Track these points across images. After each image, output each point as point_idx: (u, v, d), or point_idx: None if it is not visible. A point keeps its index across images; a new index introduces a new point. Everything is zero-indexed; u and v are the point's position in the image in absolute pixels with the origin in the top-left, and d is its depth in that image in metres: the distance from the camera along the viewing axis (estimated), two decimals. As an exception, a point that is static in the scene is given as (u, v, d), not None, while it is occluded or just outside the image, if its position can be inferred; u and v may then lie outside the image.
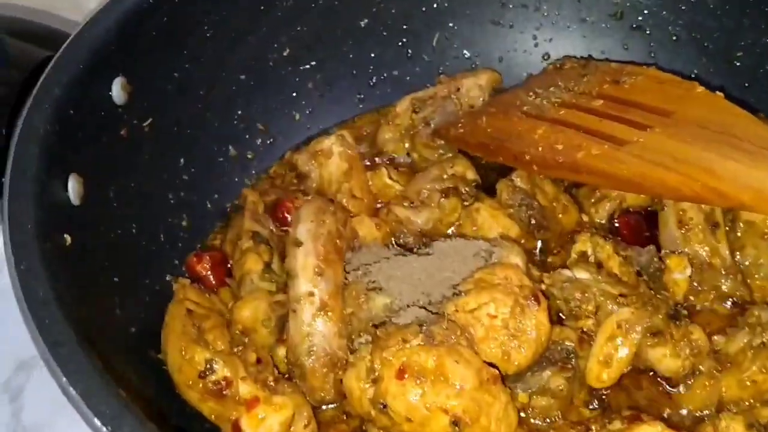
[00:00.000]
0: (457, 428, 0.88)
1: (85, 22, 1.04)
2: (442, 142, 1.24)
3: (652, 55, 1.32)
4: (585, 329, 1.01)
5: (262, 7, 1.21)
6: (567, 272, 1.04)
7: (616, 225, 1.15)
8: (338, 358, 0.98)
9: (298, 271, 1.00)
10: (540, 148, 1.11)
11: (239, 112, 1.25)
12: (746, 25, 1.24)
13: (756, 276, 1.09)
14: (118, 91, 1.05)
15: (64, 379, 0.77)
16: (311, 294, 0.99)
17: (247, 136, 1.27)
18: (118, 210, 1.05)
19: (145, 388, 0.92)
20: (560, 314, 1.04)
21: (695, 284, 1.07)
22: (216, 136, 1.23)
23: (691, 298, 1.07)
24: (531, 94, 1.20)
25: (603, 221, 1.16)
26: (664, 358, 0.98)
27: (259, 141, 1.28)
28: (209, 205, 1.22)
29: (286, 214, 1.12)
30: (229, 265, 1.11)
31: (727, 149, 0.98)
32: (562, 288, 1.02)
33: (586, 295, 1.00)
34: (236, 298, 1.06)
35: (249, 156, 1.27)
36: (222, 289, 1.09)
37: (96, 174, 1.00)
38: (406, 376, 0.88)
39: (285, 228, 1.11)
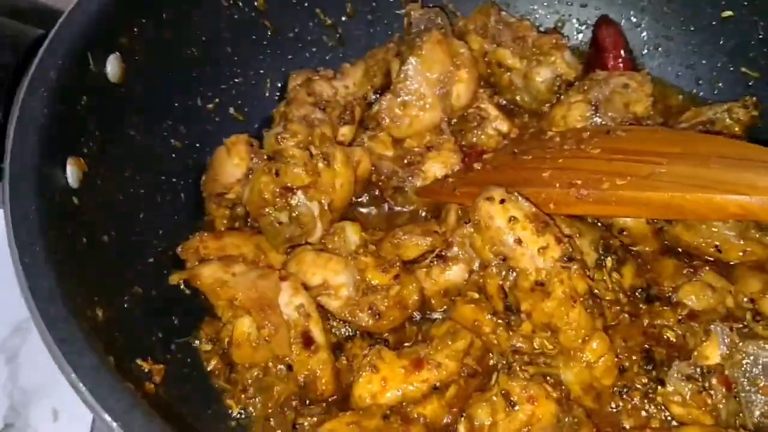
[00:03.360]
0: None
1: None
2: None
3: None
4: None
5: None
6: None
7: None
8: None
9: None
10: (557, 186, 1.05)
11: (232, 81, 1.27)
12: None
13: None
14: (113, 68, 1.04)
15: (73, 375, 0.79)
16: None
17: (240, 101, 1.28)
18: (118, 188, 1.05)
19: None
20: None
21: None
22: (211, 103, 1.24)
23: None
24: (517, 150, 1.17)
25: None
26: None
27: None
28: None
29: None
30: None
31: (758, 168, 0.96)
32: None
33: None
34: None
35: (241, 118, 1.29)
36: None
37: (94, 154, 1.00)
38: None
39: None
